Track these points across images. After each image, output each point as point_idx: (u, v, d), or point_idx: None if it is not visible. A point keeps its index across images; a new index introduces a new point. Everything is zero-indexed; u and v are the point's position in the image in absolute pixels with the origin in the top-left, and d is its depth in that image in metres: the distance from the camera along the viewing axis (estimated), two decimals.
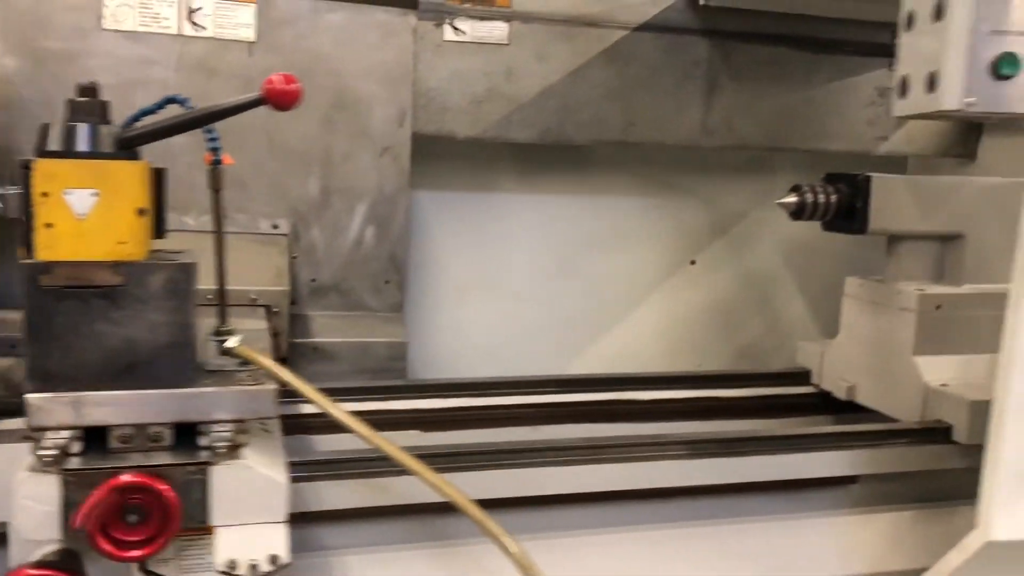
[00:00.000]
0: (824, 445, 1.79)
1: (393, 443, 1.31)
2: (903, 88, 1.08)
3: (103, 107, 1.20)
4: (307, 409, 1.92)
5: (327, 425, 1.89)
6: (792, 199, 1.96)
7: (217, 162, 1.28)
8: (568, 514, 1.67)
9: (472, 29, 2.13)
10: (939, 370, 1.88)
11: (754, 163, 2.54)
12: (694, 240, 2.61)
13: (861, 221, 1.95)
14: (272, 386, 1.26)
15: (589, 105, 2.22)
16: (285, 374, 1.28)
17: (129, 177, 1.16)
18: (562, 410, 2.09)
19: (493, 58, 2.16)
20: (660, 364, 2.61)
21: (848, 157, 2.44)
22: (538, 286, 2.50)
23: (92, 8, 1.88)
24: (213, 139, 1.27)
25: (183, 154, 1.73)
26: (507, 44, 2.16)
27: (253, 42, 1.99)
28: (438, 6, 2.10)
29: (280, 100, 1.18)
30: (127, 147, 1.18)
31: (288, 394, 1.91)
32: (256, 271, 1.93)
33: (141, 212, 1.17)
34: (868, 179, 1.93)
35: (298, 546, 1.57)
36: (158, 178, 1.27)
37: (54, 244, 1.13)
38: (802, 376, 2.27)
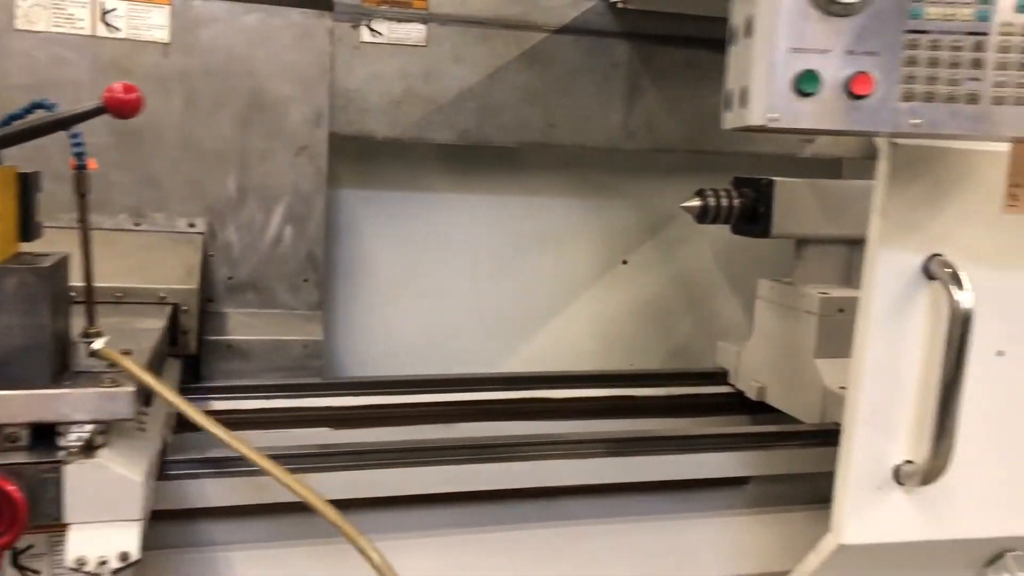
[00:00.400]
0: (714, 446, 1.82)
1: (247, 443, 1.34)
2: (727, 101, 1.09)
3: None
4: (217, 406, 1.97)
5: (235, 423, 1.93)
6: (695, 203, 1.98)
7: (82, 167, 1.30)
8: (454, 512, 1.70)
9: (389, 31, 2.15)
10: (839, 373, 1.90)
11: (686, 164, 2.56)
12: (626, 240, 2.63)
13: (764, 225, 1.97)
14: (130, 388, 1.28)
15: (509, 107, 2.24)
16: (145, 376, 1.31)
17: None
18: (476, 408, 2.12)
19: (411, 60, 2.18)
20: (592, 363, 2.63)
21: (779, 160, 2.46)
22: (469, 285, 2.52)
23: (5, 8, 1.91)
24: (78, 144, 1.30)
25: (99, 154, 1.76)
26: (425, 46, 2.18)
27: (167, 43, 2.01)
28: (355, 8, 2.12)
29: (120, 109, 1.20)
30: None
31: (197, 391, 1.99)
32: (167, 270, 1.97)
33: None
34: (771, 183, 1.95)
35: (183, 541, 1.62)
36: (24, 181, 1.30)
37: None
38: (721, 376, 2.30)
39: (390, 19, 2.14)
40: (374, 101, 2.17)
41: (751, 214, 1.98)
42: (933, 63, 1.03)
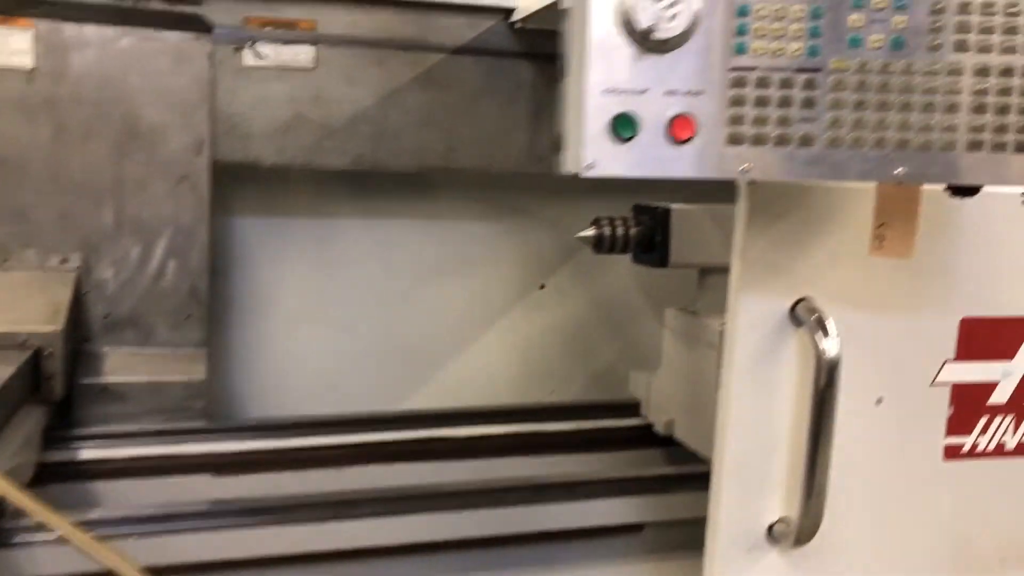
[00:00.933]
0: (605, 492, 1.72)
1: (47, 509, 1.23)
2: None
3: None
4: (87, 455, 1.86)
5: (107, 471, 1.83)
6: (590, 233, 1.88)
7: None
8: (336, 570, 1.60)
9: (275, 53, 2.05)
10: None
11: (602, 185, 2.45)
12: (543, 264, 2.54)
13: (663, 255, 1.87)
14: None
15: (406, 130, 2.14)
16: None
17: None
18: (370, 450, 2.02)
19: (299, 83, 2.07)
20: (511, 392, 2.54)
21: (707, 182, 2.36)
22: (377, 315, 2.42)
23: None
24: None
25: None
26: (313, 68, 2.07)
27: (32, 69, 1.90)
28: (236, 30, 2.02)
29: None
30: None
31: (66, 440, 1.87)
32: (30, 311, 1.85)
33: None
34: (667, 211, 1.85)
35: None
36: None
37: None
38: (634, 408, 2.20)
39: (275, 41, 2.04)
40: (260, 127, 2.06)
41: (649, 243, 1.88)
42: (762, 103, 0.94)
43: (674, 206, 1.85)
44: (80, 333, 1.98)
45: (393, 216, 2.37)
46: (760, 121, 0.93)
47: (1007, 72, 0.95)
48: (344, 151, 2.12)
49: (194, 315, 2.05)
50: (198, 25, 2.00)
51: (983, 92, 0.95)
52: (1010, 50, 0.95)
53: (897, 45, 0.94)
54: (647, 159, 0.93)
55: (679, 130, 0.93)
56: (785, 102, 0.94)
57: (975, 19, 0.94)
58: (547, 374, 2.58)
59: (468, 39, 2.13)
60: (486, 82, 2.16)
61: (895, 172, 0.96)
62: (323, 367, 2.39)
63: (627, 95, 0.91)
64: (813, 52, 0.93)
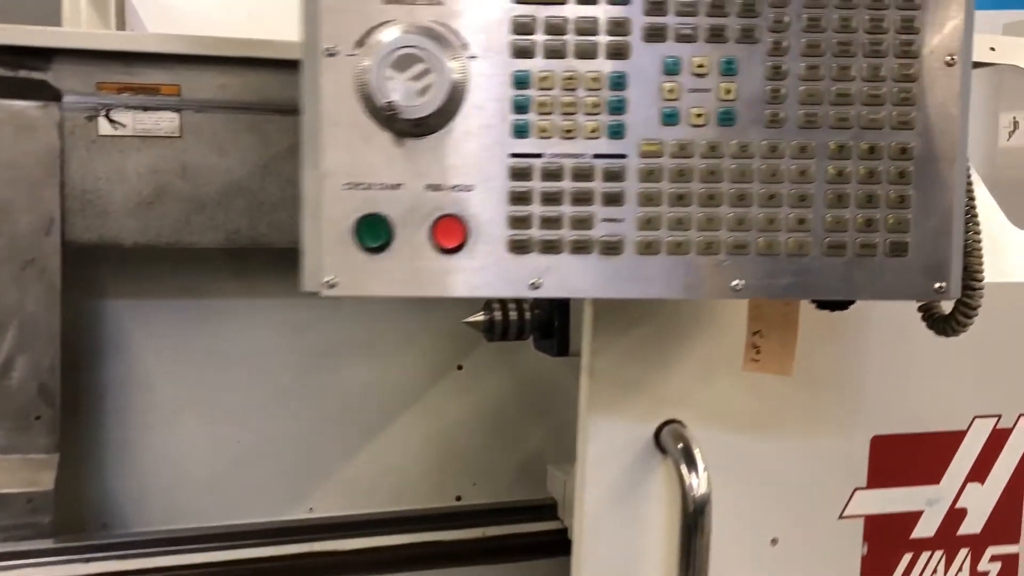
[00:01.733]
0: None
1: None
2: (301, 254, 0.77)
3: None
4: None
5: None
6: (480, 317, 1.66)
7: None
8: None
9: (134, 121, 1.84)
10: None
11: None
12: (459, 342, 2.30)
13: (561, 342, 1.64)
14: None
15: (286, 202, 1.92)
16: None
17: None
18: (239, 569, 1.78)
19: (163, 153, 1.86)
20: (427, 488, 2.29)
21: None
22: (269, 406, 2.18)
23: None
24: None
25: None
26: (179, 136, 1.86)
27: None
28: (89, 96, 1.81)
29: None
30: None
31: None
32: None
33: None
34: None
35: None
36: None
37: None
38: (551, 508, 1.96)
39: (134, 108, 1.83)
40: (118, 203, 1.85)
41: (547, 329, 1.66)
42: (552, 199, 0.72)
43: None
44: None
45: (282, 295, 2.14)
46: (550, 222, 0.71)
47: (872, 153, 0.73)
48: (217, 227, 1.90)
49: (43, 416, 1.81)
50: (45, 92, 1.80)
51: (842, 178, 0.73)
52: (874, 125, 0.72)
53: (726, 119, 0.72)
54: (407, 275, 0.71)
55: (445, 236, 0.71)
56: (582, 198, 0.72)
57: (827, 86, 0.72)
58: (467, 464, 2.33)
59: None
60: None
61: (731, 285, 0.73)
62: (210, 464, 2.14)
63: (375, 191, 0.70)
64: (616, 132, 0.71)
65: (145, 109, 1.84)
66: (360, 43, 0.67)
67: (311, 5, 0.65)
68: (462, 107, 0.70)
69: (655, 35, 0.69)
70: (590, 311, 0.94)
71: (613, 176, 0.72)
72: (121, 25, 2.82)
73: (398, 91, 0.67)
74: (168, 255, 2.07)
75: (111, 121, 1.83)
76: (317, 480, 2.23)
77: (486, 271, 0.72)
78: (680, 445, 0.96)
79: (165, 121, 1.86)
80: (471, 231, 0.71)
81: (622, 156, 0.72)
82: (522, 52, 0.69)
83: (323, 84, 0.69)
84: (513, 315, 1.66)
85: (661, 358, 0.97)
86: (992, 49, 1.38)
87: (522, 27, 0.69)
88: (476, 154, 0.71)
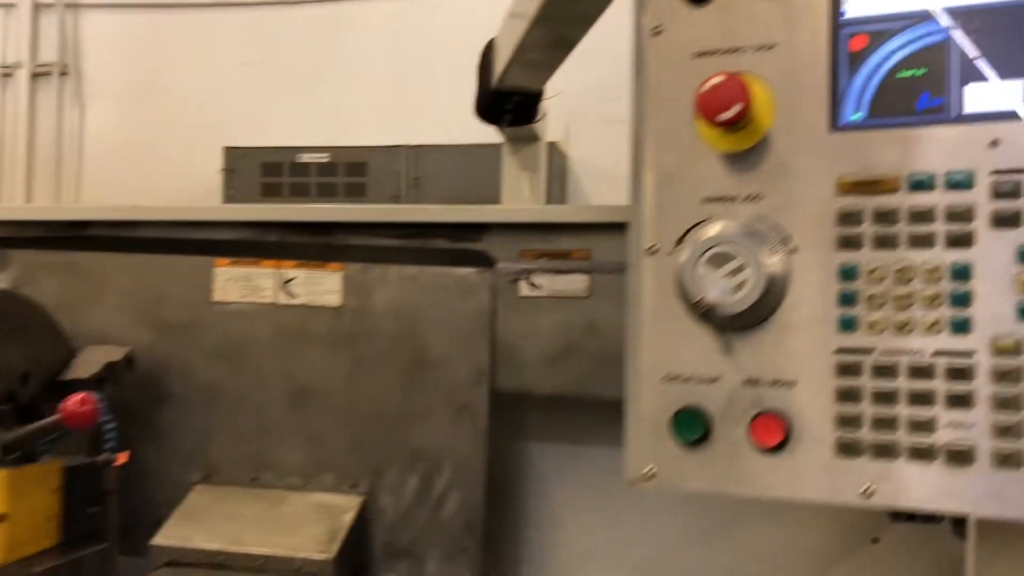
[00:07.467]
0: None
1: None
2: None
3: (11, 413, 1.35)
4: None
5: None
6: None
7: (110, 462, 1.35)
8: None
9: (550, 283, 2.04)
10: None
11: None
12: (875, 513, 2.09)
13: None
14: None
15: None
16: None
17: None
18: None
19: (573, 311, 2.02)
20: None
21: None
22: (674, 556, 2.17)
23: (204, 284, 2.14)
24: (109, 439, 1.35)
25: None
26: (587, 296, 2.02)
27: (339, 306, 2.10)
28: (513, 262, 2.05)
29: (74, 421, 1.24)
30: (9, 452, 1.31)
31: None
32: (309, 537, 1.95)
33: (0, 518, 1.28)
34: None
35: None
36: (72, 475, 1.38)
37: None
38: None
39: (549, 272, 2.03)
40: (533, 356, 2.03)
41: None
42: (885, 398, 0.65)
43: None
44: (360, 559, 2.04)
45: None
46: (884, 424, 0.64)
47: None
48: (619, 381, 1.99)
49: (469, 549, 2.01)
50: (483, 260, 2.07)
51: None
52: None
53: None
54: (724, 471, 0.69)
55: (765, 433, 0.67)
56: (922, 398, 0.64)
57: None
58: None
59: None
60: None
61: None
62: None
63: (693, 384, 0.69)
64: (960, 327, 0.63)
65: (559, 272, 2.03)
66: (679, 241, 0.69)
67: (636, 205, 0.69)
68: (783, 301, 0.67)
69: (1007, 221, 0.61)
70: (971, 547, 0.80)
71: (959, 375, 0.63)
72: (562, 192, 3.14)
73: (713, 288, 0.68)
74: (580, 404, 2.20)
75: (531, 284, 2.05)
76: None
77: (811, 474, 0.67)
78: None
79: (576, 283, 2.02)
80: (794, 429, 0.67)
81: (969, 353, 0.63)
82: (848, 243, 0.65)
83: (644, 280, 0.71)
84: None
85: None
86: None
87: (848, 218, 0.66)
88: (799, 349, 0.68)
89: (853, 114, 0.66)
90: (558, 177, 4.06)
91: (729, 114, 0.63)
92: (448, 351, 2.05)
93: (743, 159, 0.66)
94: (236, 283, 2.14)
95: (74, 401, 1.27)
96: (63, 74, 5.95)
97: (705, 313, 0.69)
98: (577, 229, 2.04)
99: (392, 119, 5.10)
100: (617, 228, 2.01)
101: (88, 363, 2.03)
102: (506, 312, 2.05)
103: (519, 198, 2.76)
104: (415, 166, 4.69)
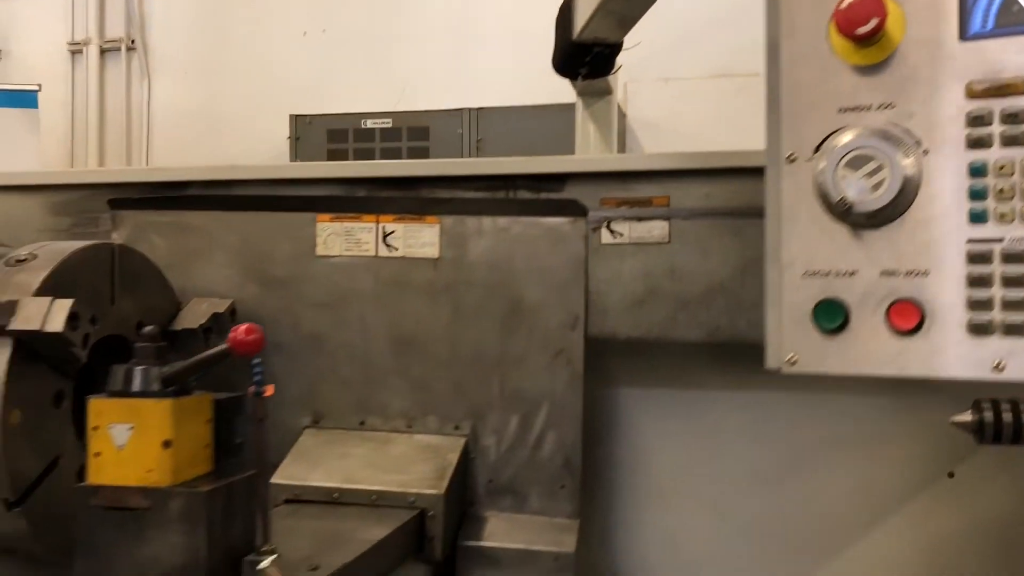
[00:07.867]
0: None
1: None
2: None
3: (158, 351, 1.46)
4: None
5: None
6: (967, 417, 1.56)
7: (259, 394, 1.45)
8: None
9: (630, 230, 2.12)
10: None
11: None
12: (951, 447, 2.16)
13: None
14: None
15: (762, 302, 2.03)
16: None
17: (155, 413, 1.41)
18: None
19: (653, 257, 2.11)
20: None
21: None
22: (749, 497, 2.26)
23: (308, 239, 2.25)
24: (257, 373, 1.44)
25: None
26: (668, 242, 2.10)
27: (437, 258, 2.20)
28: (594, 210, 2.13)
29: (242, 349, 1.35)
30: (168, 384, 1.42)
31: None
32: (420, 474, 2.05)
33: (166, 444, 1.40)
34: None
35: None
36: (221, 408, 1.50)
37: (100, 470, 1.40)
38: None
39: (630, 219, 2.11)
40: (615, 301, 2.12)
41: None
42: (1015, 282, 0.72)
43: None
44: (466, 497, 2.14)
45: (762, 387, 2.22)
46: (1014, 305, 0.72)
47: None
48: (699, 324, 2.08)
49: (567, 486, 2.11)
50: (575, 209, 2.15)
51: None
52: None
53: None
54: (862, 355, 0.77)
55: (901, 318, 0.76)
56: None
57: None
58: None
59: None
60: None
61: None
62: (698, 547, 2.27)
63: (832, 278, 0.78)
64: None
65: (639, 219, 2.11)
66: (817, 148, 0.76)
67: (773, 119, 0.77)
68: (916, 199, 0.75)
69: None
70: None
71: None
72: (622, 148, 3.22)
73: (852, 188, 0.75)
74: (660, 348, 2.28)
75: (612, 231, 2.13)
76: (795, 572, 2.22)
77: (944, 353, 0.75)
78: None
79: (656, 229, 2.11)
80: (927, 314, 0.75)
81: None
82: (978, 143, 0.73)
83: (784, 186, 0.79)
84: (1007, 416, 1.54)
85: None
86: None
87: (978, 120, 0.73)
88: (931, 241, 0.75)
89: (981, 25, 0.73)
90: (619, 134, 4.11)
91: (867, 28, 0.70)
92: (543, 298, 2.14)
93: (876, 70, 0.74)
94: (339, 237, 2.25)
95: (241, 331, 1.37)
96: (130, 49, 6.12)
97: (845, 212, 0.77)
98: (656, 176, 2.11)
99: (453, 83, 5.18)
100: (696, 174, 2.09)
101: (195, 314, 2.17)
102: (589, 259, 2.13)
103: (593, 149, 2.84)
104: (477, 128, 4.78)
